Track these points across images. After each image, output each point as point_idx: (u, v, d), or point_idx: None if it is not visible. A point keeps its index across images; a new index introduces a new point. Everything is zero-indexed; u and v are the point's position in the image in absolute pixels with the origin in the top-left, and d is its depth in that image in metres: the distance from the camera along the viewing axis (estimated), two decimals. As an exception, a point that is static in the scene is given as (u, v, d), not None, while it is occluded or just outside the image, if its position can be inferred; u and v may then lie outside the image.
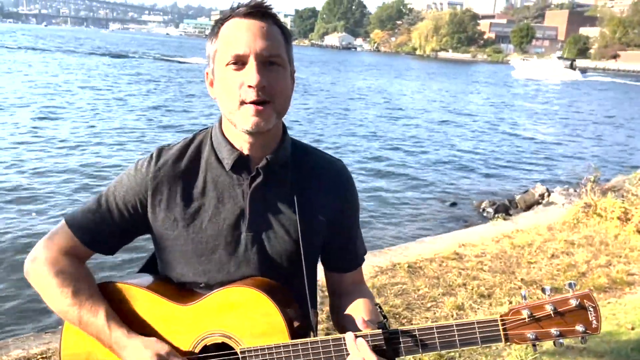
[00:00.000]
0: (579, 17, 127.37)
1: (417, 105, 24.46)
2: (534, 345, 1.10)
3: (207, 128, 1.28)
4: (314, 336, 1.15)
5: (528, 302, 1.09)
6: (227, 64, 1.11)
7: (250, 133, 1.14)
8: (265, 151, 1.20)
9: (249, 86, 1.08)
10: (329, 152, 1.36)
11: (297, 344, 1.10)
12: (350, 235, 1.34)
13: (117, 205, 1.21)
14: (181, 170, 1.21)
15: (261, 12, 1.12)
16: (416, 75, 50.14)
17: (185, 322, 1.16)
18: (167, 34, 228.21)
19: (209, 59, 1.17)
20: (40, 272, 1.18)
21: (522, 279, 4.48)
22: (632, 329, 3.52)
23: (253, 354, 1.12)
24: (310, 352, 1.10)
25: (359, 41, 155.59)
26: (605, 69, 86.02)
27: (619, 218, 5.74)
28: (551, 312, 1.07)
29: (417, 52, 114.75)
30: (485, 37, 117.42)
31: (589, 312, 1.07)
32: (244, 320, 1.12)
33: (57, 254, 1.19)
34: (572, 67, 58.60)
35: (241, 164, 1.19)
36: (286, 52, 1.16)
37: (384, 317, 1.09)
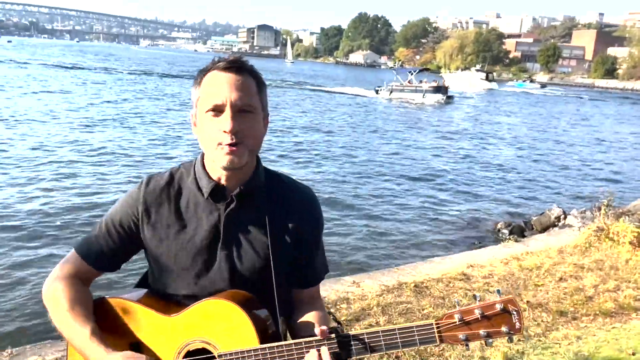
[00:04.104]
0: (607, 37, 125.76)
1: (437, 126, 24.49)
2: (466, 345, 1.23)
3: (191, 160, 1.46)
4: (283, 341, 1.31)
5: (459, 308, 1.22)
6: (207, 111, 1.29)
7: (226, 168, 1.33)
8: (240, 181, 1.38)
9: (224, 131, 1.27)
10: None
11: (266, 348, 1.26)
12: (311, 255, 1.49)
13: (115, 228, 1.40)
14: (167, 195, 1.40)
15: (238, 67, 1.32)
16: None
17: (171, 331, 1.33)
18: (195, 50, 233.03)
19: (193, 104, 1.37)
20: (51, 292, 1.37)
21: (527, 301, 4.50)
22: (633, 354, 3.54)
23: (229, 357, 1.28)
24: (276, 354, 1.25)
25: (383, 59, 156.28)
26: (633, 90, 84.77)
27: (631, 243, 5.72)
28: (479, 316, 1.21)
29: (442, 70, 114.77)
30: (511, 56, 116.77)
31: (512, 315, 1.21)
32: (220, 329, 1.29)
33: (66, 277, 1.39)
34: (487, 78, 62.71)
35: (217, 192, 1.37)
36: (259, 100, 1.35)
37: (339, 323, 1.23)
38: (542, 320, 4.15)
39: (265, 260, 1.37)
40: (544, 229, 8.49)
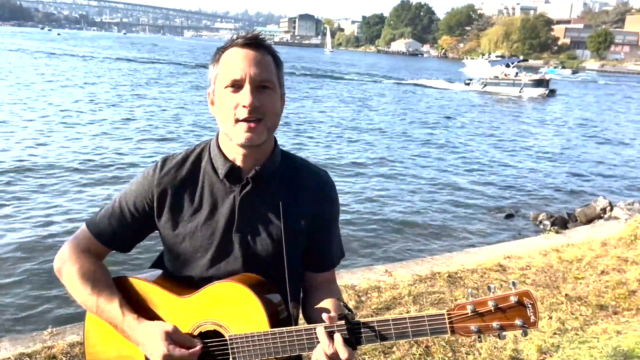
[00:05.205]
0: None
1: (481, 116, 23.94)
2: (478, 337, 1.19)
3: (207, 141, 1.45)
4: (294, 326, 1.30)
5: (473, 299, 1.18)
6: (226, 87, 1.28)
7: (243, 146, 1.31)
8: (256, 163, 1.36)
9: (244, 106, 1.25)
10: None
11: (276, 332, 1.25)
12: (326, 239, 1.47)
13: (129, 208, 1.40)
14: (182, 177, 1.39)
15: (256, 44, 1.30)
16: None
17: (184, 312, 1.34)
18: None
19: (211, 81, 1.36)
20: (67, 268, 1.40)
21: (566, 294, 4.36)
22: (677, 351, 3.38)
23: (239, 340, 1.28)
24: (287, 339, 1.25)
25: (426, 47, 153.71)
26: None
27: (680, 236, 5.46)
28: (492, 308, 1.16)
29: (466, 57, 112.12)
30: (560, 43, 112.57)
31: (527, 309, 1.16)
32: (232, 311, 1.29)
33: (80, 253, 1.41)
34: (506, 65, 59.03)
35: (233, 173, 1.35)
36: (277, 78, 1.33)
37: (349, 310, 1.21)
38: (580, 314, 4.01)
39: (279, 245, 1.35)
40: (589, 221, 8.18)
